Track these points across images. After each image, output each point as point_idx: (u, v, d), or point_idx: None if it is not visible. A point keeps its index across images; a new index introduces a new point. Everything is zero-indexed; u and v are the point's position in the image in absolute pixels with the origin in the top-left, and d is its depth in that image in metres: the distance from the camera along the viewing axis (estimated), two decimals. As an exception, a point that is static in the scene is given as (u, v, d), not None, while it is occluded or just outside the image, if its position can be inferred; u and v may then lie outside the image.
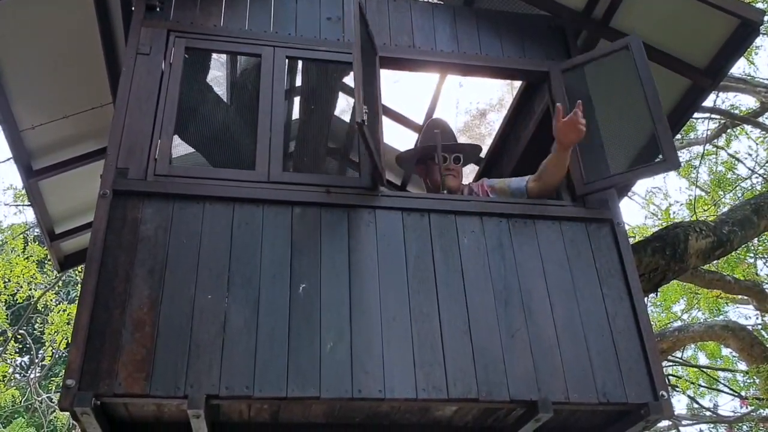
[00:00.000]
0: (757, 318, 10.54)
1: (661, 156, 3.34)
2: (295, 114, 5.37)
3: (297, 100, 5.30)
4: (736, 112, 10.07)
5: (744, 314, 11.83)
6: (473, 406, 2.89)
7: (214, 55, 4.52)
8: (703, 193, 10.67)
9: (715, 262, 7.77)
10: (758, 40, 10.19)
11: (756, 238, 8.06)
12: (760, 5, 9.10)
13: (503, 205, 3.39)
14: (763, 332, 9.59)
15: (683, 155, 11.10)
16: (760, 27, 3.70)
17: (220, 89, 4.71)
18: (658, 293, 9.75)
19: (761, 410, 8.74)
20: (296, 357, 2.74)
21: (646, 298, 3.88)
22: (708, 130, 10.11)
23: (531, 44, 3.95)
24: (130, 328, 2.69)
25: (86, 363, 2.59)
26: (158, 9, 3.54)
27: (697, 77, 3.99)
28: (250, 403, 2.76)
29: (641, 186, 23.23)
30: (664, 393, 2.96)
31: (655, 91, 3.42)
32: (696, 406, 10.83)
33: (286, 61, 3.57)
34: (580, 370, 2.95)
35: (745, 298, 8.82)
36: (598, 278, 3.22)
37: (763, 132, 10.23)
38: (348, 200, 3.20)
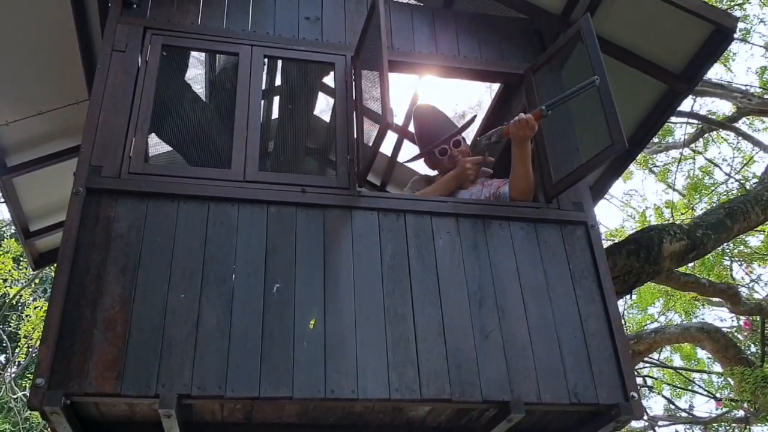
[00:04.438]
0: (732, 320, 10.66)
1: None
2: (275, 114, 5.35)
3: (276, 99, 5.29)
4: (713, 117, 10.18)
5: (719, 316, 11.96)
6: (446, 406, 2.90)
7: (193, 54, 4.50)
8: (680, 197, 10.77)
9: (690, 264, 7.86)
10: (734, 47, 10.32)
11: (730, 242, 8.15)
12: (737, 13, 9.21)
13: (478, 206, 3.41)
14: (738, 335, 9.70)
15: (660, 158, 11.21)
16: (734, 33, 3.75)
17: (198, 88, 4.69)
18: (633, 295, 9.86)
19: (735, 411, 8.84)
20: (269, 357, 2.74)
21: (620, 300, 3.91)
22: (685, 134, 10.21)
23: (508, 47, 3.97)
24: (101, 326, 2.67)
25: (56, 362, 2.56)
26: (135, 6, 3.52)
27: (672, 82, 4.03)
28: (223, 403, 2.75)
29: (618, 188, 23.43)
30: (635, 394, 2.99)
31: (604, 72, 3.25)
32: (672, 407, 10.94)
33: (265, 60, 3.57)
34: (552, 370, 2.97)
35: (720, 300, 8.91)
36: (571, 280, 3.25)
37: (738, 137, 10.35)
38: (324, 200, 3.19)
